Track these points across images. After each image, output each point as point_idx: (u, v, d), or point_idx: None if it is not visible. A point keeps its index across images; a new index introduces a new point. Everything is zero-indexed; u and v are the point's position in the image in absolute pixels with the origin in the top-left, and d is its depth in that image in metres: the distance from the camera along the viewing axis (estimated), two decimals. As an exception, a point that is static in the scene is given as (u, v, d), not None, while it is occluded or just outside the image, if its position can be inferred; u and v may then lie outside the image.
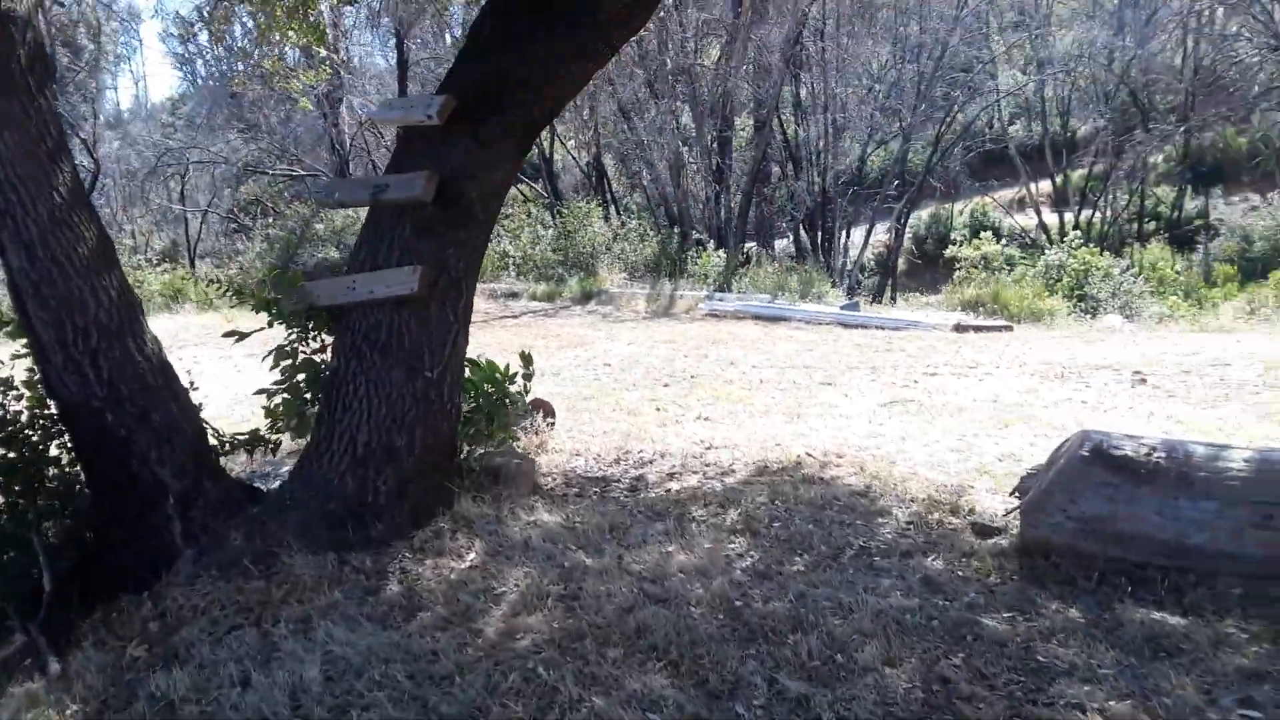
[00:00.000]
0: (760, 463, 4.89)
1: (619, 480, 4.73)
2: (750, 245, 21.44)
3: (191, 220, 24.01)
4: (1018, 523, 3.66)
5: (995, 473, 4.58)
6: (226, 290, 4.21)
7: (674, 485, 4.57)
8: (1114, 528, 3.23)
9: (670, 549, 3.57)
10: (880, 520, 3.89)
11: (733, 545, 3.65)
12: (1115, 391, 6.82)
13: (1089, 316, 14.75)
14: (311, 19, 6.11)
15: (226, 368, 8.84)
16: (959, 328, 12.27)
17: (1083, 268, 16.90)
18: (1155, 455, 3.28)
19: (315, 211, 18.30)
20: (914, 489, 4.28)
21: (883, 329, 12.38)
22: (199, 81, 26.44)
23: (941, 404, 6.48)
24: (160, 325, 10.35)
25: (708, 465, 4.93)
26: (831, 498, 4.15)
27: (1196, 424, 5.63)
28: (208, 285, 13.95)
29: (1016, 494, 3.92)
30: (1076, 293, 16.31)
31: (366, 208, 3.99)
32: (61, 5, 17.83)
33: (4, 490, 3.70)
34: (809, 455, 4.94)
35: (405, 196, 3.70)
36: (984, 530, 3.70)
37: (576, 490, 4.50)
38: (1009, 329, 12.41)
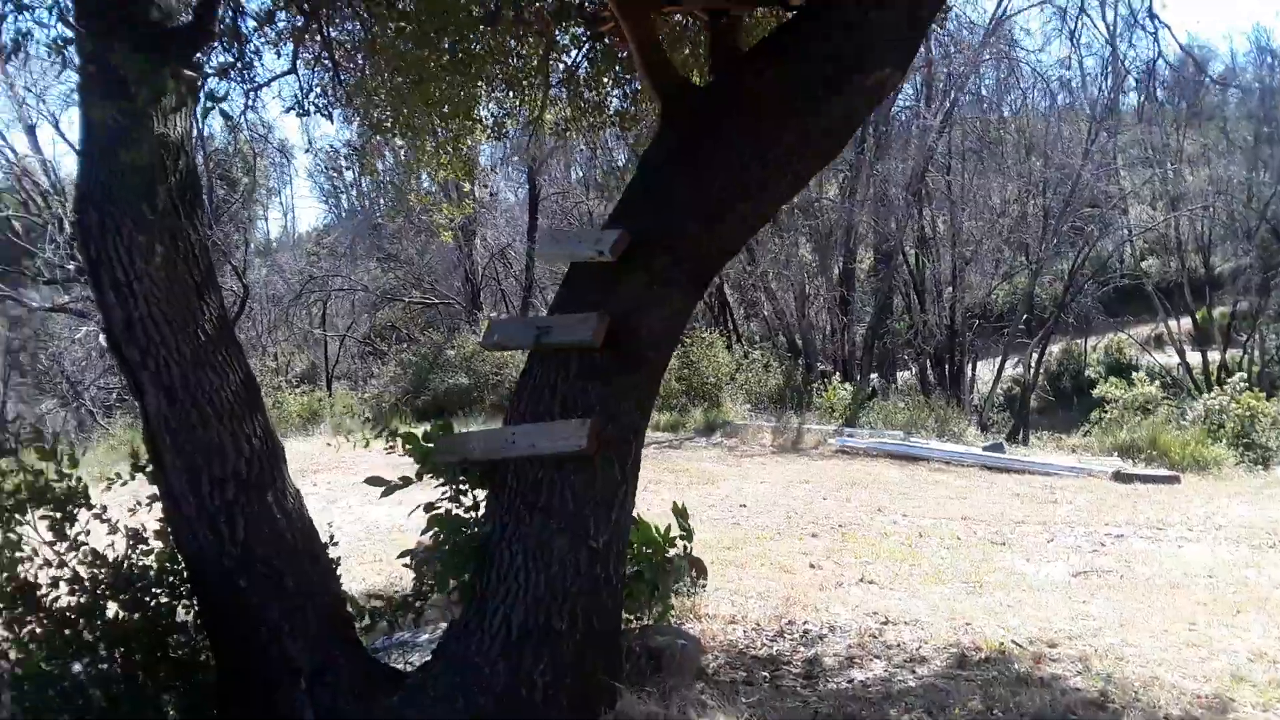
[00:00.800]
0: (953, 648, 4.21)
1: (789, 662, 4.13)
2: (873, 377, 20.84)
3: (330, 344, 24.93)
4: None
5: (1255, 681, 3.78)
6: (384, 432, 3.86)
7: (857, 674, 3.93)
8: None
9: (881, 775, 2.94)
10: (1135, 745, 3.17)
11: (956, 773, 2.99)
12: (1355, 569, 5.86)
13: (1260, 468, 13.46)
14: (462, 153, 6.03)
15: (358, 496, 8.62)
16: (1120, 476, 11.25)
17: (1247, 413, 15.53)
18: None
19: (448, 337, 18.59)
20: (1163, 700, 3.52)
21: (1034, 474, 11.48)
22: (344, 214, 27.98)
23: (1146, 578, 5.65)
24: (295, 448, 10.33)
25: (890, 648, 4.28)
26: (1063, 710, 3.43)
27: None
28: (363, 424, 13.96)
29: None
30: (1243, 440, 14.97)
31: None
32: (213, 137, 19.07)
33: (123, 658, 3.29)
34: (1014, 644, 4.24)
35: (572, 340, 3.34)
36: (1278, 770, 2.95)
37: (744, 675, 3.91)
38: (1176, 480, 11.30)
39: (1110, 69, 21.82)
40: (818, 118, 3.29)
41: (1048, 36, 32.62)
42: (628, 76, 5.19)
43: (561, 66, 5.21)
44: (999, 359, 23.47)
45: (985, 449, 13.84)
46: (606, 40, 4.83)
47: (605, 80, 5.20)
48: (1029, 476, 11.17)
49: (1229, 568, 5.93)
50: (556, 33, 4.78)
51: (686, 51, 4.89)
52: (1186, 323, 27.81)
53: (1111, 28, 15.75)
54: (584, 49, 5.04)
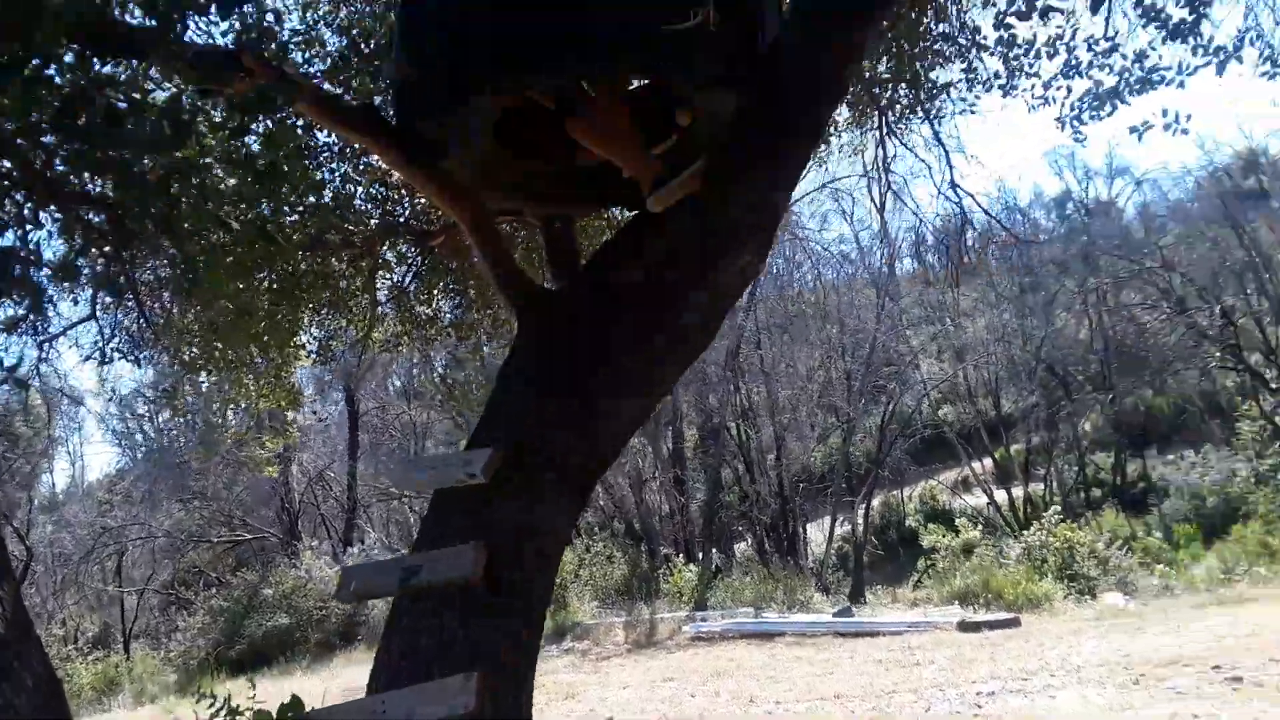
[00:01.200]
0: None
1: None
2: (714, 553, 20.87)
3: (127, 599, 22.36)
4: None
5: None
6: (222, 711, 3.25)
7: None
8: None
9: None
10: None
11: None
12: (1218, 698, 6.00)
13: (1088, 598, 14.12)
14: (285, 381, 5.67)
15: (172, 783, 7.48)
16: (965, 625, 11.49)
17: (1065, 546, 16.41)
18: None
19: (263, 575, 17.15)
20: None
21: (887, 634, 11.55)
22: (140, 456, 25.75)
23: (1036, 736, 5.62)
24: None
25: None
26: None
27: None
28: (184, 694, 12.19)
29: None
30: (1066, 573, 15.71)
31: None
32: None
33: None
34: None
35: (448, 578, 3.00)
36: None
37: None
38: (1016, 622, 11.62)
39: (883, 240, 24.10)
40: (681, 312, 3.24)
41: (825, 217, 35.76)
42: (457, 287, 5.10)
43: (389, 283, 5.07)
44: (828, 519, 24.12)
45: (835, 614, 13.93)
46: (435, 252, 4.74)
47: (435, 293, 5.09)
48: (883, 639, 11.22)
49: (1106, 713, 5.99)
50: (384, 250, 4.66)
51: (517, 256, 4.87)
52: (989, 463, 29.69)
53: (880, 205, 17.47)
54: (411, 264, 4.93)
